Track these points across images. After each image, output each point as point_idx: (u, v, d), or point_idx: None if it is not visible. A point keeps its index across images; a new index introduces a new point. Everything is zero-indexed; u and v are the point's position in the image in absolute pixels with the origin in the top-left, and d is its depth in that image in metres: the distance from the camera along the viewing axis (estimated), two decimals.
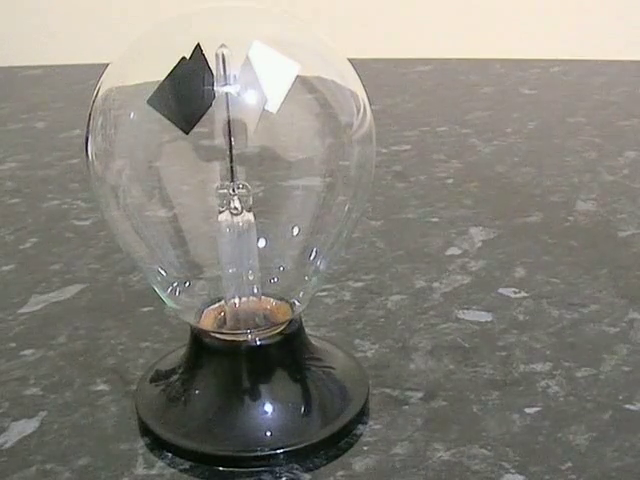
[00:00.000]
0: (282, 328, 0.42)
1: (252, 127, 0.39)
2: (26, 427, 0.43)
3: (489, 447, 0.40)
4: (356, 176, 0.42)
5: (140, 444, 0.41)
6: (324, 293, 0.56)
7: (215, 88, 0.37)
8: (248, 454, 0.39)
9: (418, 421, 0.42)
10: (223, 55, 0.37)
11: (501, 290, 0.56)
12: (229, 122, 0.38)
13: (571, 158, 0.83)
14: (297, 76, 0.38)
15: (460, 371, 0.47)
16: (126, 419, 0.43)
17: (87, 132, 0.40)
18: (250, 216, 0.40)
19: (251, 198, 0.40)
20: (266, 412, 0.41)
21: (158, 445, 0.41)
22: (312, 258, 0.43)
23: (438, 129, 0.94)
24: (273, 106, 0.37)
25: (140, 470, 0.40)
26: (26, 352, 0.50)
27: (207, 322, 0.42)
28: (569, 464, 0.39)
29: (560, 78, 1.18)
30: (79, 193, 0.77)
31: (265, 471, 0.39)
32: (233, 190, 0.40)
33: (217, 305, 0.43)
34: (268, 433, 0.40)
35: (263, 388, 0.41)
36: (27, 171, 0.84)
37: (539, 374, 0.46)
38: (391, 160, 0.83)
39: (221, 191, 0.40)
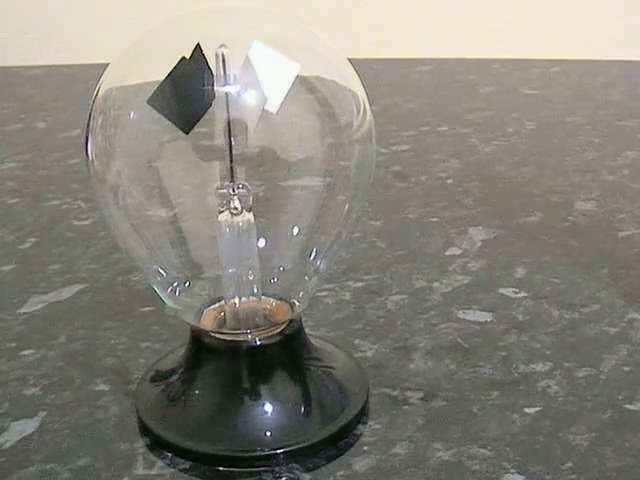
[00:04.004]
0: (282, 328, 0.42)
1: (252, 127, 0.39)
2: (26, 427, 0.43)
3: (489, 447, 0.40)
4: (356, 176, 0.42)
5: (140, 444, 0.41)
6: (324, 293, 0.56)
7: (215, 88, 0.37)
8: (248, 454, 0.39)
9: (418, 421, 0.42)
10: (223, 55, 0.37)
11: (501, 290, 0.56)
12: (229, 122, 0.38)
13: (571, 158, 0.83)
14: (297, 76, 0.38)
15: (460, 371, 0.47)
16: (126, 419, 0.43)
17: (87, 132, 0.40)
18: (250, 216, 0.40)
19: (251, 198, 0.40)
20: (266, 412, 0.41)
21: (158, 445, 0.41)
22: (312, 258, 0.43)
23: (438, 129, 0.94)
24: (273, 106, 0.37)
25: (140, 470, 0.40)
26: (26, 352, 0.50)
27: (207, 322, 0.42)
28: (569, 464, 0.39)
29: (560, 78, 1.18)
30: (79, 193, 0.77)
31: (265, 471, 0.39)
32: (233, 190, 0.40)
33: (217, 305, 0.43)
34: (268, 433, 0.40)
35: (263, 388, 0.41)
36: (27, 171, 0.84)
37: (539, 374, 0.46)
38: (391, 160, 0.83)
39: (221, 191, 0.40)
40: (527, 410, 0.43)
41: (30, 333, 0.52)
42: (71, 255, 0.64)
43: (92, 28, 1.33)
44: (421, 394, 0.45)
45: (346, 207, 0.42)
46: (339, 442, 0.41)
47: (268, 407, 0.41)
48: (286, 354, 0.42)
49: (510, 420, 0.42)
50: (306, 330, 0.44)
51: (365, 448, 0.41)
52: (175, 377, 0.44)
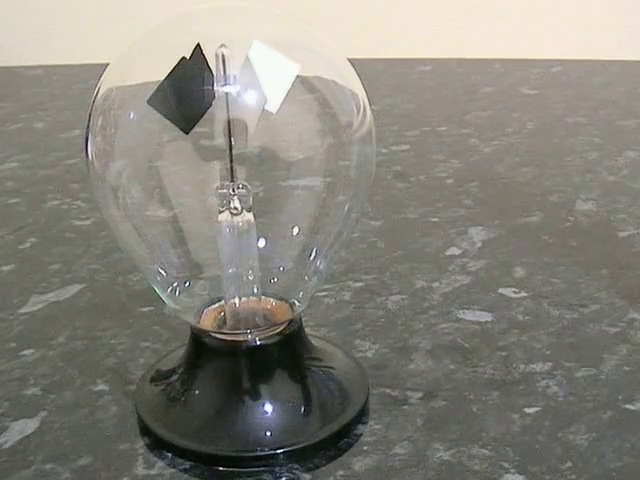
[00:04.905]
0: (282, 328, 0.42)
1: (252, 127, 0.39)
2: (26, 427, 0.43)
3: (489, 447, 0.40)
4: (356, 176, 0.42)
5: (140, 444, 0.41)
6: (324, 293, 0.56)
7: (215, 88, 0.37)
8: (248, 454, 0.39)
9: (418, 421, 0.42)
10: (223, 55, 0.37)
11: (501, 290, 0.56)
12: (229, 122, 0.38)
13: (571, 158, 0.83)
14: (297, 76, 0.38)
15: (460, 371, 0.47)
16: (126, 419, 0.43)
17: (87, 132, 0.40)
18: (250, 216, 0.40)
19: (251, 198, 0.40)
20: (266, 412, 0.41)
21: (158, 445, 0.41)
22: (312, 258, 0.43)
23: (438, 129, 0.94)
24: (273, 106, 0.37)
25: (140, 470, 0.40)
26: (26, 352, 0.50)
27: (207, 322, 0.42)
28: (569, 464, 0.39)
29: (560, 78, 1.18)
30: (79, 193, 0.77)
31: (265, 471, 0.39)
32: (233, 190, 0.40)
33: (217, 305, 0.43)
34: (268, 433, 0.40)
35: (263, 388, 0.41)
36: (27, 171, 0.84)
37: (539, 374, 0.46)
38: (391, 160, 0.83)
39: (221, 191, 0.40)
40: (527, 410, 0.43)
41: (30, 333, 0.52)
42: (71, 255, 0.64)
43: (92, 28, 1.33)
44: (421, 394, 0.45)
45: (346, 207, 0.42)
46: (339, 442, 0.41)
47: (268, 407, 0.41)
48: (286, 354, 0.42)
49: (510, 420, 0.42)
50: (306, 330, 0.44)
51: (365, 448, 0.41)
52: (175, 377, 0.44)
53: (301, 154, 0.41)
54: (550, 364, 0.47)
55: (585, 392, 0.44)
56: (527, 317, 0.52)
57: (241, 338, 0.41)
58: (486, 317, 0.52)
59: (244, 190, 0.40)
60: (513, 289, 0.56)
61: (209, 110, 0.37)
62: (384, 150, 0.85)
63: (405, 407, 0.44)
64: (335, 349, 0.47)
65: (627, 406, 0.43)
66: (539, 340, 0.49)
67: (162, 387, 0.44)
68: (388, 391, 0.45)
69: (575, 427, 0.41)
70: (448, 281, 0.57)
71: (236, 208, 0.40)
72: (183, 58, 0.37)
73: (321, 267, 0.43)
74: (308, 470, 0.39)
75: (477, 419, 0.42)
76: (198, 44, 0.37)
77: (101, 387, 0.46)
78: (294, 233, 0.42)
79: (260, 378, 0.41)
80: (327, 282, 0.56)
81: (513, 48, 1.25)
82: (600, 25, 1.25)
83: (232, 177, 0.39)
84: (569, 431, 0.41)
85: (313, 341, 0.45)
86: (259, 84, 0.37)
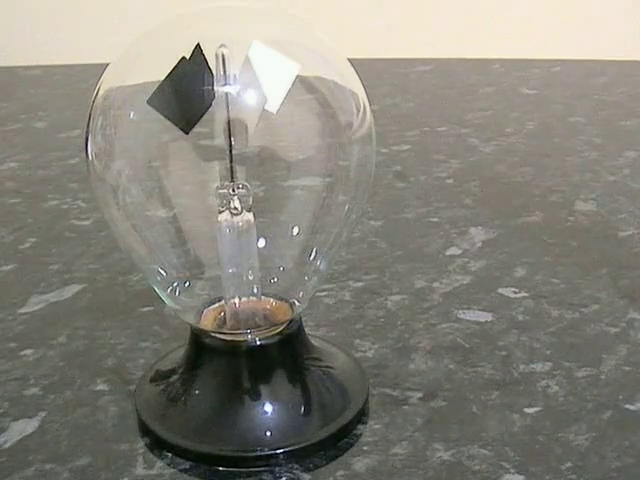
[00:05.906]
0: (282, 328, 0.42)
1: (252, 127, 0.39)
2: (26, 427, 0.43)
3: (489, 447, 0.40)
4: (356, 176, 0.42)
5: (140, 444, 0.41)
6: (324, 293, 0.56)
7: (215, 88, 0.37)
8: (248, 454, 0.39)
9: (418, 421, 0.42)
10: (223, 55, 0.37)
11: (501, 290, 0.56)
12: (229, 122, 0.38)
13: (571, 158, 0.83)
14: (297, 76, 0.38)
15: (460, 371, 0.47)
16: (126, 419, 0.43)
17: (87, 132, 0.40)
18: (250, 216, 0.40)
19: (251, 198, 0.40)
20: (266, 412, 0.41)
21: (158, 445, 0.41)
22: (312, 258, 0.43)
23: (438, 129, 0.94)
24: (273, 106, 0.37)
25: (140, 470, 0.40)
26: (26, 352, 0.50)
27: (207, 322, 0.42)
28: (569, 464, 0.39)
29: (560, 78, 1.18)
30: (79, 193, 0.77)
31: (265, 471, 0.39)
32: (233, 190, 0.40)
33: (217, 305, 0.43)
34: (268, 433, 0.40)
35: (263, 388, 0.41)
36: (27, 171, 0.84)
37: (539, 374, 0.46)
38: (391, 160, 0.83)
39: (221, 191, 0.40)
40: (527, 410, 0.43)
41: (30, 333, 0.52)
42: (71, 255, 0.64)
43: (92, 28, 1.33)
44: (421, 394, 0.45)
45: (346, 207, 0.42)
46: (339, 442, 0.41)
47: (268, 407, 0.41)
48: (286, 354, 0.42)
49: (510, 420, 0.42)
50: (306, 330, 0.44)
51: (365, 448, 0.41)
52: (175, 377, 0.44)
53: (301, 154, 0.41)
54: (550, 364, 0.47)
55: (585, 392, 0.44)
56: (527, 317, 0.52)
57: (241, 338, 0.41)
58: (486, 317, 0.52)
59: (244, 190, 0.40)
60: (513, 289, 0.56)
61: (209, 110, 0.37)
62: (384, 150, 0.85)
63: (405, 407, 0.44)
64: (335, 349, 0.47)
65: (627, 406, 0.43)
66: (539, 340, 0.50)
67: (162, 387, 0.44)
68: (388, 391, 0.45)
69: (575, 427, 0.41)
70: (448, 281, 0.57)
71: (236, 208, 0.40)
72: (183, 58, 0.37)
73: (321, 267, 0.43)
74: (308, 470, 0.39)
75: (477, 419, 0.42)
76: (198, 44, 0.37)
77: (101, 387, 0.46)
78: (294, 233, 0.42)
79: (260, 378, 0.41)
80: (327, 282, 0.56)
81: (513, 48, 1.25)
82: (600, 25, 1.25)
83: (232, 177, 0.39)
84: (569, 431, 0.41)
85: (313, 341, 0.45)
86: (259, 84, 0.37)
